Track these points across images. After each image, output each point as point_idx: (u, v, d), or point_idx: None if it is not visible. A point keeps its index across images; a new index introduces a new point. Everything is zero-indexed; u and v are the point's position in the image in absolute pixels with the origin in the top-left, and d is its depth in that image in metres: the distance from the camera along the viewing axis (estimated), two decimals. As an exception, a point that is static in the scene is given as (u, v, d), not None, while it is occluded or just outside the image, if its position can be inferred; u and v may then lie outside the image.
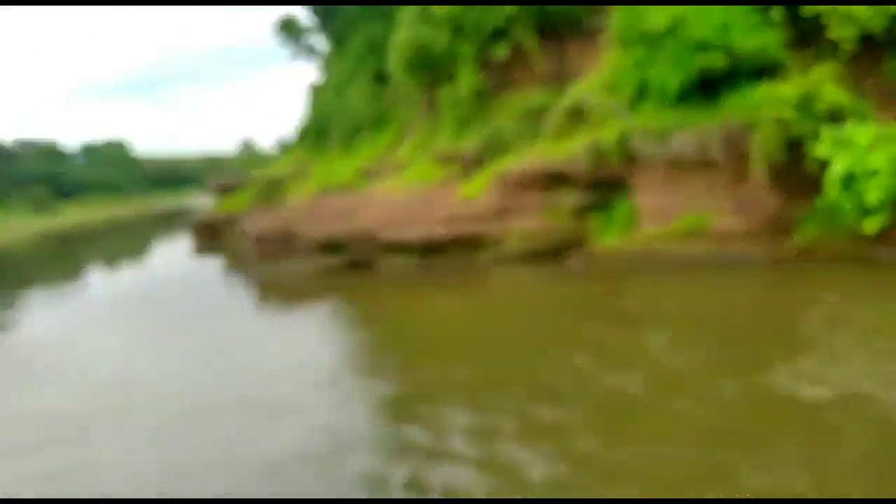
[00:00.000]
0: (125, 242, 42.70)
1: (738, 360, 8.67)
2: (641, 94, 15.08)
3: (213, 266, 24.28)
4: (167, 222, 52.44)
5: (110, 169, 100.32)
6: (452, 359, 10.32)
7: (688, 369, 8.60)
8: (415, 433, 7.54)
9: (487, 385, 8.86)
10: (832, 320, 9.62)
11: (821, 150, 12.90)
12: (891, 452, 5.83)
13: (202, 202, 47.78)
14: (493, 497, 5.63)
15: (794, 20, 14.41)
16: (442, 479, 6.45)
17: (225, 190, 35.45)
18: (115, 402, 9.57)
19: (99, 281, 25.28)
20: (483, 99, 19.63)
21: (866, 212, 12.54)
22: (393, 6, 22.78)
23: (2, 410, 9.89)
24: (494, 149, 18.62)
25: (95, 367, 11.46)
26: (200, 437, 8.11)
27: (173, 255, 32.47)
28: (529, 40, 18.23)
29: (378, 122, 26.34)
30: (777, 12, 14.33)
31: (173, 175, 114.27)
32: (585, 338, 10.44)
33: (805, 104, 13.14)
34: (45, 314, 17.65)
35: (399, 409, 8.39)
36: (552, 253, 16.04)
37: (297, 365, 10.52)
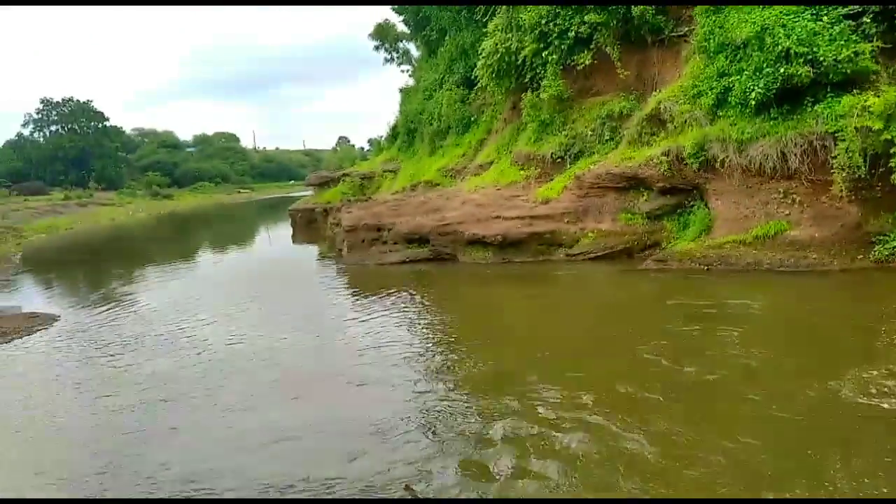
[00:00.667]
0: (231, 227, 45.96)
1: (810, 363, 8.82)
2: (722, 102, 15.24)
3: (309, 252, 26.16)
4: (269, 211, 55.76)
5: (220, 159, 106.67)
6: (529, 346, 11.02)
7: (761, 368, 8.77)
8: (495, 404, 8.27)
9: (563, 367, 9.53)
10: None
11: (908, 162, 12.66)
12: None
13: (302, 194, 50.47)
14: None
15: (890, 29, 14.07)
16: (530, 436, 7.18)
17: (322, 183, 37.75)
18: (223, 368, 10.90)
19: (207, 261, 27.71)
20: (565, 104, 20.30)
21: (952, 227, 12.31)
22: (483, 15, 23.78)
23: (124, 375, 11.27)
24: (574, 152, 19.33)
25: (207, 337, 12.95)
26: (304, 402, 9.17)
27: (273, 241, 34.89)
28: (612, 48, 18.68)
29: (464, 124, 27.51)
30: (870, 21, 14.04)
31: (277, 167, 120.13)
32: (658, 331, 10.79)
33: (894, 115, 12.89)
34: (160, 289, 19.76)
35: (485, 384, 9.12)
36: (626, 253, 16.64)
37: (385, 343, 11.56)
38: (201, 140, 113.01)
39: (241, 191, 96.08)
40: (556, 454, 6.87)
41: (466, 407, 8.38)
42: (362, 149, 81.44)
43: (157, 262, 26.67)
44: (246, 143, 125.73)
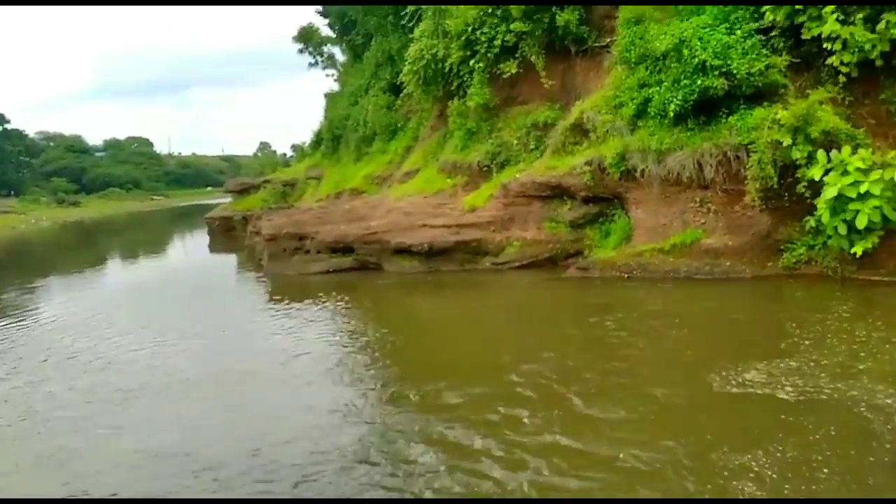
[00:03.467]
0: (143, 236, 43.80)
1: (715, 355, 9.39)
2: (643, 113, 15.57)
3: (227, 262, 25.13)
4: (185, 219, 53.54)
5: (132, 165, 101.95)
6: (450, 345, 11.49)
7: (669, 358, 9.54)
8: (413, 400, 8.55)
9: (484, 356, 10.22)
10: (810, 332, 10.06)
11: (814, 173, 13.15)
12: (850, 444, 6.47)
13: (220, 202, 48.73)
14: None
15: (796, 45, 14.67)
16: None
17: (242, 190, 36.50)
18: (141, 380, 10.26)
19: (115, 271, 26.21)
20: (491, 112, 20.33)
21: (855, 234, 12.91)
22: (409, 20, 23.56)
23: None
24: (500, 161, 19.36)
25: (110, 353, 12.02)
26: (223, 405, 9.05)
27: (189, 250, 33.45)
28: (537, 57, 18.82)
29: (391, 131, 27.17)
30: (779, 36, 14.62)
31: (194, 173, 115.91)
32: (575, 327, 11.67)
33: (801, 128, 13.42)
34: (62, 300, 18.43)
35: (400, 384, 9.28)
36: (550, 261, 16.77)
37: (304, 350, 11.31)
38: (112, 145, 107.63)
39: (155, 197, 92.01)
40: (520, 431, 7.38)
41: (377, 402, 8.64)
42: (284, 155, 79.74)
43: (60, 273, 24.97)
44: (161, 148, 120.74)
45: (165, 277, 22.67)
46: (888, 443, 6.36)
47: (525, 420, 7.57)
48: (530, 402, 8.10)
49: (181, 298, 17.67)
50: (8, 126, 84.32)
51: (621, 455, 6.54)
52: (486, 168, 19.81)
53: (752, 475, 5.97)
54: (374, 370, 10.00)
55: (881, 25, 13.24)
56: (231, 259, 25.63)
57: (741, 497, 5.38)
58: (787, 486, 5.71)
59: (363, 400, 8.75)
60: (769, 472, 5.98)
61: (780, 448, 6.40)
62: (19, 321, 15.38)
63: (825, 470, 5.95)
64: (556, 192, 17.18)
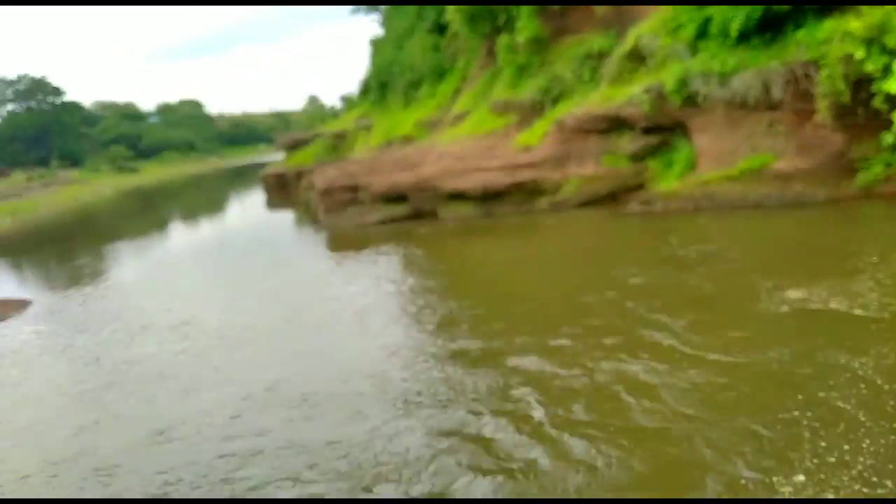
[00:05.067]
0: (201, 198, 44.89)
1: (788, 276, 9.26)
2: (702, 34, 14.83)
3: (285, 218, 25.56)
4: (240, 178, 54.55)
5: (185, 128, 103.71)
6: (520, 279, 11.98)
7: (746, 282, 9.45)
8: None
9: (555, 289, 10.75)
10: (889, 253, 9.72)
11: (890, 85, 12.33)
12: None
13: (273, 158, 49.41)
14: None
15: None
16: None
17: (294, 145, 36.82)
18: (220, 332, 10.81)
19: (180, 233, 27.04)
20: (541, 46, 19.70)
21: (936, 148, 12.17)
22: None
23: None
24: (553, 96, 18.83)
25: (190, 312, 12.53)
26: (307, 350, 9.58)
27: (247, 208, 34.15)
28: (588, -17, 18.05)
29: (438, 73, 26.70)
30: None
31: (245, 132, 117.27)
32: (641, 263, 11.39)
33: (875, 39, 12.54)
34: (133, 266, 19.18)
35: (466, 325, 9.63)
36: (610, 197, 16.34)
37: (374, 297, 11.75)
38: (165, 109, 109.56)
39: (210, 159, 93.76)
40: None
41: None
42: (334, 107, 79.63)
43: (132, 236, 25.95)
44: (212, 109, 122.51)
45: (228, 236, 23.29)
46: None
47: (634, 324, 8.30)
48: (626, 314, 8.73)
49: (246, 257, 18.09)
50: (65, 99, 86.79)
51: (731, 359, 6.95)
52: (538, 104, 19.32)
53: (863, 385, 6.12)
54: (454, 302, 10.63)
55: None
56: (288, 215, 26.06)
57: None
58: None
59: (452, 325, 9.48)
60: (878, 380, 6.14)
61: (886, 355, 6.54)
62: (96, 285, 16.15)
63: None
64: (614, 125, 16.65)
